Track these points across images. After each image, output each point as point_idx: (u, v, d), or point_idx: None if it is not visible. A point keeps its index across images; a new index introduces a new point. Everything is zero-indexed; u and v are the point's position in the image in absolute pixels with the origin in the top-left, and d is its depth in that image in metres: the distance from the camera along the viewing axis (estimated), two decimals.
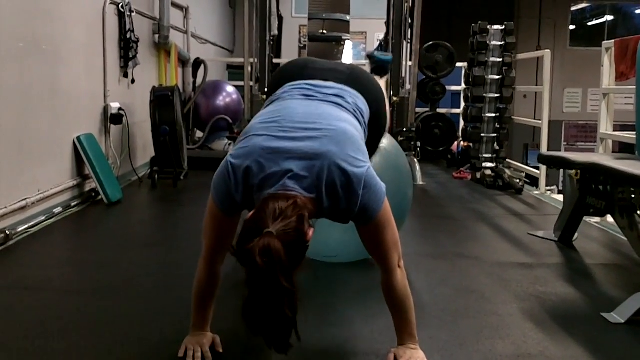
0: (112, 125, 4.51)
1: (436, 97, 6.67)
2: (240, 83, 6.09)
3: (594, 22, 13.24)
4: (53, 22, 3.61)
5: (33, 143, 3.39)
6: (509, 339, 2.00)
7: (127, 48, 4.75)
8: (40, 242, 3.08)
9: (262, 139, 1.58)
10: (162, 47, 5.76)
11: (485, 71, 5.47)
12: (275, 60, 6.84)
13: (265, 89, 5.57)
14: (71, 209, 3.73)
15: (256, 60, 5.54)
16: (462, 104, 6.69)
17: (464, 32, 6.02)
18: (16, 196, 3.18)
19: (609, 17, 13.02)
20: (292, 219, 1.39)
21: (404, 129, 5.30)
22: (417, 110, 6.04)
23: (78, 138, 3.94)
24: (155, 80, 5.66)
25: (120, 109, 4.55)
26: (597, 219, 3.75)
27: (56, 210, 3.55)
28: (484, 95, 5.47)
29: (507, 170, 5.29)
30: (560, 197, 4.13)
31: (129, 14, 4.72)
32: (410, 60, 5.58)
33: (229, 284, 1.85)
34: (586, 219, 3.48)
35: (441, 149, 6.60)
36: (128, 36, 4.73)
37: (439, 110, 6.80)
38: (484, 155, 5.46)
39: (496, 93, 5.47)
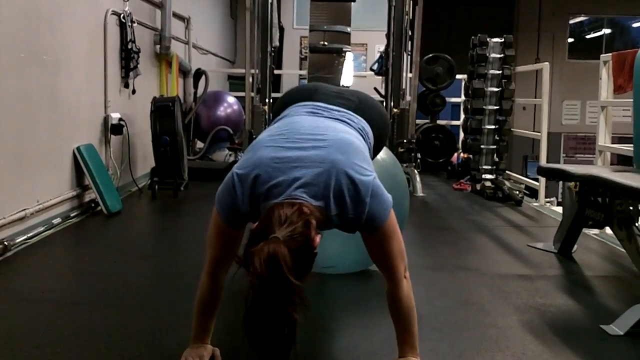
0: (113, 136, 4.52)
1: (436, 108, 6.70)
2: (241, 94, 6.12)
3: (592, 35, 13.33)
4: (54, 32, 3.63)
5: (33, 153, 3.40)
6: (508, 350, 2.00)
7: (128, 58, 4.77)
8: (39, 253, 3.07)
9: (268, 150, 1.60)
10: (163, 57, 5.78)
11: (485, 83, 5.50)
12: (276, 71, 6.89)
13: (267, 99, 5.60)
14: (70, 220, 3.73)
15: (257, 71, 5.57)
16: (462, 116, 6.71)
17: (463, 45, 6.06)
18: (15, 207, 3.18)
19: (607, 30, 13.12)
20: (297, 224, 1.39)
21: (404, 141, 5.32)
22: (417, 121, 6.06)
23: (78, 148, 3.94)
24: (156, 91, 5.68)
25: (120, 119, 4.56)
26: (596, 231, 3.75)
27: (55, 221, 3.55)
28: (484, 107, 5.49)
29: (506, 182, 5.29)
30: (560, 209, 4.14)
31: (130, 24, 4.74)
32: (411, 72, 5.61)
33: (227, 295, 1.84)
34: (585, 230, 3.48)
35: (441, 160, 6.61)
36: (129, 46, 4.75)
37: (439, 122, 6.83)
38: (484, 167, 5.48)
39: (496, 105, 5.49)
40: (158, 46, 5.64)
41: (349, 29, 5.82)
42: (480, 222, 4.15)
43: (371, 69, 6.60)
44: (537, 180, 5.14)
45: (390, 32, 5.74)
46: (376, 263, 1.72)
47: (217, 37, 9.06)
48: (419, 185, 5.23)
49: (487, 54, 5.50)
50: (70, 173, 3.90)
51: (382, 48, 6.28)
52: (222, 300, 1.79)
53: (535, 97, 9.72)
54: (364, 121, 1.86)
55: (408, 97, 5.61)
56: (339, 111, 1.83)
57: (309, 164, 1.54)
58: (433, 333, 2.11)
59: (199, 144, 6.67)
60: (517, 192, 5.04)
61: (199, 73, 6.53)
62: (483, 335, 2.12)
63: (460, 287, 2.68)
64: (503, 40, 5.54)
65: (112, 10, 4.50)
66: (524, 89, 9.35)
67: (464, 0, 11.93)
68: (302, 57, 9.99)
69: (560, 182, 6.00)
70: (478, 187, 5.35)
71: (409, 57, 5.62)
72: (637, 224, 2.82)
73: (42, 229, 3.37)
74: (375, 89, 6.68)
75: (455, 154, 6.61)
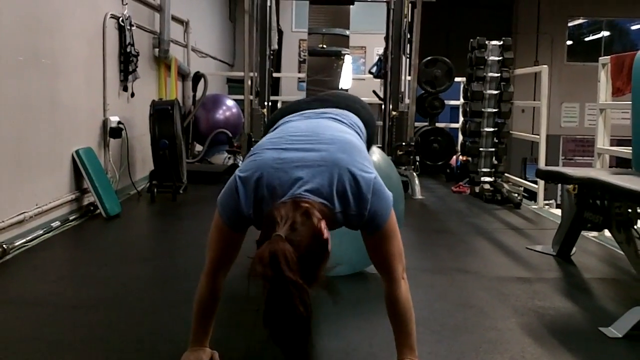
0: (111, 139, 4.52)
1: (435, 111, 6.71)
2: (240, 97, 6.12)
3: (591, 37, 13.36)
4: (53, 35, 3.64)
5: (32, 156, 3.40)
6: (507, 353, 2.00)
7: (127, 62, 4.77)
8: (38, 257, 3.07)
9: (269, 152, 1.61)
10: (162, 60, 5.79)
11: (484, 86, 5.50)
12: (275, 74, 6.90)
13: (265, 102, 5.60)
14: (69, 223, 3.73)
15: (256, 74, 5.58)
16: (461, 119, 6.72)
17: (462, 47, 6.07)
18: (14, 210, 3.18)
19: (606, 33, 13.14)
20: (297, 217, 1.40)
21: (403, 143, 5.32)
22: (416, 124, 6.06)
23: (77, 152, 3.94)
24: (155, 94, 5.68)
25: (119, 122, 4.56)
26: (594, 234, 3.75)
27: (54, 224, 3.55)
28: (483, 109, 5.49)
29: (505, 185, 5.30)
30: (558, 212, 4.14)
31: (129, 27, 4.75)
32: (410, 74, 5.62)
33: (225, 297, 1.84)
34: (584, 233, 3.48)
35: (440, 163, 6.62)
36: (128, 50, 4.75)
37: (438, 125, 6.84)
38: (483, 170, 5.48)
39: (494, 108, 5.50)
40: (157, 49, 5.65)
41: (347, 32, 5.84)
42: (479, 225, 4.15)
43: (370, 72, 6.61)
44: (535, 182, 5.14)
45: (389, 34, 5.75)
46: (375, 263, 1.73)
47: (216, 40, 9.07)
48: (417, 188, 5.23)
49: (486, 57, 5.51)
50: (69, 176, 3.90)
51: (381, 51, 6.29)
52: (221, 302, 1.79)
53: (534, 100, 9.74)
54: (352, 115, 1.91)
55: (407, 100, 5.62)
56: (327, 113, 1.88)
57: (310, 164, 1.56)
58: (432, 336, 2.11)
59: (198, 147, 6.68)
60: (516, 194, 5.04)
61: (198, 76, 6.53)
62: (482, 337, 2.13)
63: (459, 290, 2.68)
64: (502, 42, 5.54)
65: (111, 14, 4.51)
66: (522, 91, 9.37)
67: (463, 3, 11.95)
68: (301, 60, 10.01)
69: (559, 185, 6.02)
70: (477, 189, 5.35)
71: (407, 59, 5.63)
72: (635, 227, 2.82)
73: (41, 232, 3.38)
74: (374, 91, 6.69)
75: (454, 157, 6.62)
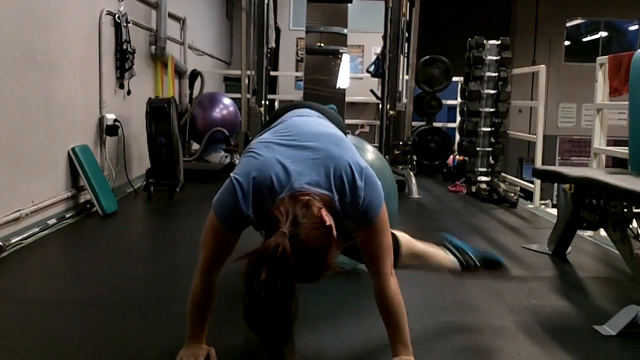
0: (108, 137, 4.51)
1: (432, 111, 6.71)
2: (237, 95, 6.11)
3: (589, 38, 13.38)
4: (48, 32, 3.63)
5: (27, 154, 3.39)
6: (503, 351, 2.00)
7: (123, 59, 4.76)
8: (34, 254, 3.06)
9: (264, 150, 1.63)
10: (158, 58, 5.78)
11: (481, 85, 5.51)
12: (272, 73, 6.89)
13: (263, 101, 5.60)
14: (65, 221, 3.72)
15: (253, 72, 5.57)
16: (458, 118, 6.72)
17: (460, 47, 6.08)
18: (10, 207, 3.17)
19: (603, 34, 13.16)
20: (297, 209, 1.41)
21: (400, 143, 5.32)
22: (413, 124, 6.07)
23: (73, 149, 3.94)
24: (152, 92, 5.67)
25: (115, 120, 4.55)
26: (590, 233, 3.76)
27: (50, 222, 3.54)
28: (480, 109, 5.50)
29: (502, 184, 5.31)
30: (554, 211, 4.15)
31: (125, 24, 4.74)
32: (407, 74, 5.62)
33: (221, 294, 1.84)
34: (579, 232, 3.49)
35: (437, 162, 6.63)
36: (124, 47, 4.74)
37: (435, 124, 6.85)
38: (479, 169, 5.49)
39: (492, 107, 5.51)
40: (153, 47, 5.64)
41: (345, 31, 5.82)
42: (476, 224, 4.16)
43: (367, 71, 6.61)
44: (532, 182, 5.15)
45: (386, 33, 5.75)
46: (365, 258, 1.74)
47: (212, 38, 9.06)
48: (414, 188, 5.23)
49: (484, 56, 5.52)
50: (66, 174, 3.89)
51: (379, 50, 6.29)
52: (216, 299, 1.79)
53: (532, 100, 9.75)
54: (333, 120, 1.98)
55: (404, 99, 5.63)
56: (312, 114, 1.94)
57: (305, 158, 1.59)
58: (427, 334, 2.11)
59: (195, 146, 6.67)
60: (512, 194, 5.05)
61: (195, 74, 6.52)
62: (477, 336, 2.13)
63: (455, 289, 2.68)
64: (500, 42, 5.55)
65: (107, 10, 4.50)
66: (520, 91, 9.39)
67: (461, 2, 11.96)
68: (299, 58, 10.01)
69: (555, 185, 6.02)
70: (473, 189, 5.36)
71: (405, 59, 5.63)
72: (631, 226, 2.83)
73: (37, 229, 3.36)
74: (372, 91, 6.70)
75: (451, 157, 6.62)
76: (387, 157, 5.14)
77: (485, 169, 5.48)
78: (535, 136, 5.18)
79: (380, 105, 6.14)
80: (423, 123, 6.76)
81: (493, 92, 5.50)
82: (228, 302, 1.90)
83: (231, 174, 1.62)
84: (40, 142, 3.55)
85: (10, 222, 3.15)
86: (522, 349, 2.02)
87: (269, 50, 5.87)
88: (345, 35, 5.85)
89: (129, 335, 2.06)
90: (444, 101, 6.81)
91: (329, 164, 1.58)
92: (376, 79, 6.49)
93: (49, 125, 3.65)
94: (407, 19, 5.48)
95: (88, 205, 4.02)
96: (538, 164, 5.05)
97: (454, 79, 6.61)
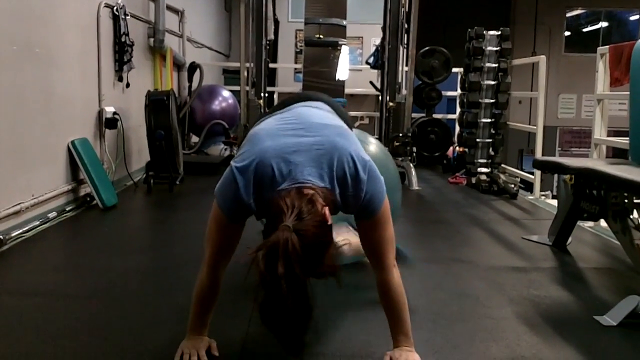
0: (107, 130, 4.51)
1: (432, 102, 6.70)
2: (237, 87, 6.10)
3: (589, 28, 13.33)
4: (47, 25, 3.61)
5: (27, 147, 3.39)
6: (503, 341, 2.01)
7: (121, 52, 4.74)
8: (35, 247, 3.06)
9: (265, 139, 1.61)
10: (157, 51, 5.76)
11: (481, 77, 5.50)
12: (271, 65, 6.87)
13: (262, 93, 5.59)
14: (66, 214, 3.72)
15: (252, 64, 5.55)
16: (458, 110, 6.70)
17: (460, 38, 6.05)
18: (10, 201, 3.17)
19: (604, 24, 13.11)
20: (302, 205, 1.41)
21: (400, 134, 5.31)
22: (413, 115, 6.06)
23: (72, 142, 3.93)
24: (151, 85, 5.66)
25: (115, 113, 4.54)
26: (590, 224, 3.77)
27: (51, 215, 3.54)
28: (480, 100, 5.49)
29: (502, 175, 5.30)
30: (555, 202, 4.15)
31: (123, 17, 4.72)
32: (407, 65, 5.60)
33: (222, 286, 1.84)
34: (580, 223, 3.49)
35: (437, 154, 6.62)
36: (123, 40, 4.72)
37: (435, 116, 6.83)
38: (479, 161, 5.48)
39: (491, 98, 5.50)
40: (152, 39, 5.62)
41: (344, 22, 5.79)
42: (476, 215, 4.16)
43: (367, 63, 6.58)
44: (532, 173, 5.15)
45: (386, 25, 5.72)
46: (368, 251, 1.74)
47: (211, 31, 9.02)
48: (414, 179, 5.22)
49: (484, 47, 5.50)
50: (65, 167, 3.89)
51: (378, 41, 6.26)
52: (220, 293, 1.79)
53: (532, 91, 9.73)
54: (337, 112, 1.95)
55: (404, 91, 5.60)
56: (315, 105, 1.91)
57: (308, 148, 1.57)
58: (428, 324, 2.12)
59: (194, 138, 6.66)
60: (512, 185, 5.05)
61: (194, 67, 6.51)
62: (478, 326, 2.14)
63: (455, 280, 2.69)
64: (499, 33, 5.53)
65: (105, 3, 4.48)
66: (520, 82, 9.35)
67: None
68: (298, 50, 9.97)
69: (555, 176, 6.02)
70: (473, 180, 5.36)
71: (405, 50, 5.61)
72: (631, 217, 2.83)
73: (37, 223, 3.37)
74: (371, 82, 6.68)
75: (451, 148, 6.61)
76: (387, 148, 5.13)
77: (485, 160, 5.48)
78: (535, 127, 5.17)
79: (379, 97, 6.12)
80: (423, 114, 6.74)
81: (493, 83, 5.48)
82: (230, 294, 1.91)
83: (231, 162, 1.61)
84: (40, 136, 3.55)
85: (11, 215, 3.15)
86: (522, 339, 2.02)
87: (267, 42, 5.85)
88: (345, 26, 5.82)
89: (130, 327, 2.06)
90: (443, 92, 6.79)
91: (332, 155, 1.57)
92: (375, 71, 6.47)
93: (48, 119, 3.64)
94: (407, 9, 5.46)
95: (88, 199, 4.02)
96: (538, 155, 5.04)
97: (454, 70, 6.59)
